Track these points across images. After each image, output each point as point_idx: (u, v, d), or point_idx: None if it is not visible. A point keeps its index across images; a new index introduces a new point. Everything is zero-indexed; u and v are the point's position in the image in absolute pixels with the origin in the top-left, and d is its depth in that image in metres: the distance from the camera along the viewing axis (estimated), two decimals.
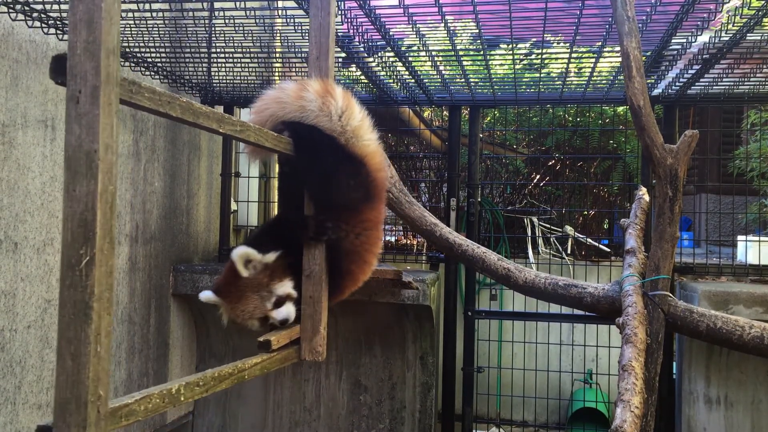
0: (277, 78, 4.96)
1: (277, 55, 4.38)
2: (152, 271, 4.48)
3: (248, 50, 4.03)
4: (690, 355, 4.53)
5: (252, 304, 2.34)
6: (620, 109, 6.96)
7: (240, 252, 2.30)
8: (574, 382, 6.66)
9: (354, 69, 4.64)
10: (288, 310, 2.36)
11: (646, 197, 3.41)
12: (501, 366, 5.81)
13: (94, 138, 1.39)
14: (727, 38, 3.49)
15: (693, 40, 3.54)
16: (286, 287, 2.37)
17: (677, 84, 4.43)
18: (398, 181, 3.49)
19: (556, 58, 4.65)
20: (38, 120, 3.45)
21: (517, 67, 4.69)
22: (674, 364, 4.84)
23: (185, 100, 1.74)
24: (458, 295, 5.38)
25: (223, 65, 4.37)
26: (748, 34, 3.40)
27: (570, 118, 7.34)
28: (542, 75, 4.89)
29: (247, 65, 4.35)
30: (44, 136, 3.49)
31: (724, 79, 4.22)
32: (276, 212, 6.31)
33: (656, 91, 4.71)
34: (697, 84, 4.37)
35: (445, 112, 7.65)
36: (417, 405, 4.83)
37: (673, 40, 3.66)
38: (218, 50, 4.10)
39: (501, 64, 5.11)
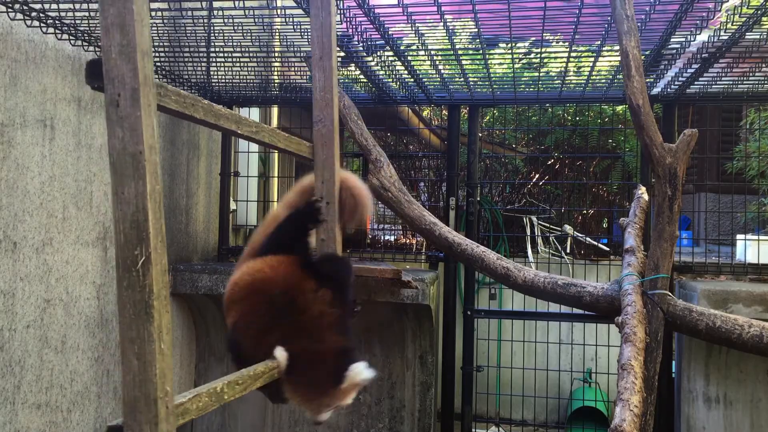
0: (276, 78, 4.96)
1: (276, 54, 4.38)
2: None
3: (247, 49, 4.04)
4: (689, 353, 4.53)
5: (315, 403, 2.13)
6: (619, 108, 6.96)
7: (359, 375, 2.07)
8: (574, 381, 6.66)
9: (353, 68, 4.64)
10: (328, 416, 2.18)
11: (645, 196, 3.41)
12: (500, 365, 5.80)
13: (138, 140, 1.41)
14: (726, 37, 3.49)
15: (692, 39, 3.54)
16: (349, 400, 2.17)
17: (676, 83, 4.43)
18: (397, 181, 3.49)
19: (555, 57, 4.66)
20: (37, 120, 3.45)
21: (516, 66, 4.69)
22: (673, 363, 4.85)
23: (207, 102, 1.76)
24: (457, 294, 5.38)
25: (222, 65, 4.37)
26: (747, 33, 3.40)
27: (569, 117, 7.34)
28: (541, 74, 4.89)
29: (246, 65, 4.35)
30: (43, 136, 3.48)
31: (723, 78, 4.22)
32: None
33: (655, 90, 4.71)
34: (696, 83, 4.37)
35: (444, 112, 7.65)
36: (416, 404, 4.83)
37: (672, 39, 3.66)
38: (217, 49, 4.10)
39: (500, 63, 5.11)
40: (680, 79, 4.30)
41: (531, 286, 3.06)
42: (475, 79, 4.88)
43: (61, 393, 3.66)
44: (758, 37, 3.48)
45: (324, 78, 2.48)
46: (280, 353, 2.00)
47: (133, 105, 1.40)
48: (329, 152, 2.47)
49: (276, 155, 6.32)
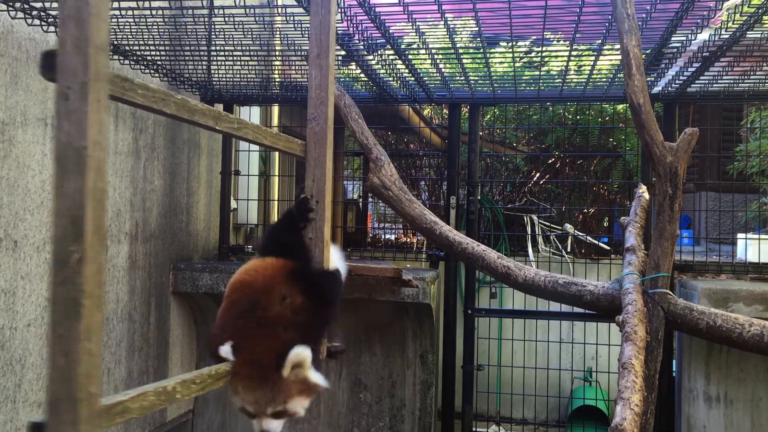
0: (277, 77, 4.96)
1: (277, 53, 4.38)
2: (152, 269, 4.48)
3: (248, 48, 4.03)
4: (690, 353, 4.53)
5: (257, 397, 1.98)
6: (620, 107, 6.96)
7: (300, 354, 1.97)
8: (574, 380, 6.66)
9: (354, 67, 4.64)
10: (278, 428, 2.02)
11: (646, 195, 3.41)
12: (501, 364, 5.80)
13: (82, 135, 1.39)
14: (727, 36, 3.49)
15: (693, 38, 3.53)
16: (300, 407, 2.04)
17: (677, 82, 4.42)
18: (398, 179, 3.49)
19: (556, 56, 4.65)
20: (38, 118, 3.44)
21: (517, 65, 4.69)
22: (674, 362, 4.84)
23: (180, 98, 1.73)
24: (458, 293, 5.38)
25: (223, 63, 4.37)
26: (748, 32, 3.39)
27: (570, 116, 7.34)
28: (542, 73, 4.89)
29: (246, 63, 4.35)
30: (44, 134, 3.48)
31: (724, 77, 4.22)
32: (276, 213, 6.32)
33: (656, 89, 4.71)
34: (697, 82, 4.36)
35: (444, 110, 7.65)
36: (417, 403, 4.83)
37: (672, 38, 3.66)
38: (218, 48, 4.10)
39: (501, 62, 5.11)
40: (681, 77, 4.30)
41: (531, 285, 3.06)
42: (476, 78, 4.88)
43: None
44: (759, 35, 3.48)
45: (320, 76, 2.46)
46: (225, 349, 1.91)
47: (82, 99, 1.39)
48: (322, 151, 2.45)
49: (276, 154, 6.32)
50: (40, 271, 3.49)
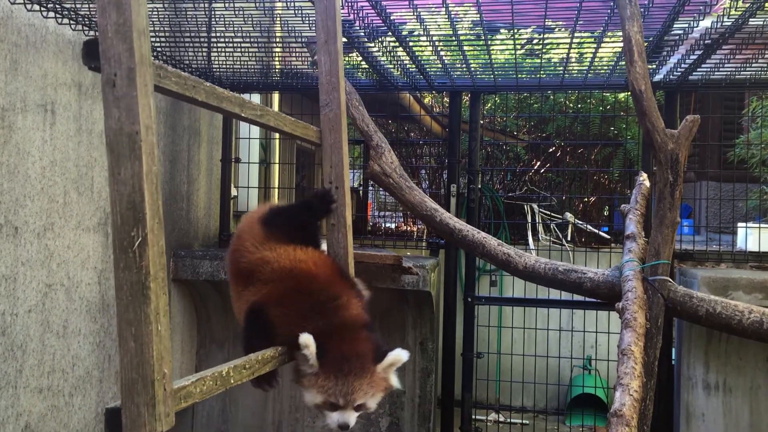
0: (277, 64, 4.94)
1: (278, 40, 4.36)
2: None
3: (248, 35, 4.02)
4: (689, 341, 4.54)
5: (352, 388, 2.04)
6: (621, 95, 6.94)
7: (400, 354, 2.08)
8: (573, 368, 6.68)
9: (355, 55, 4.62)
10: (355, 421, 2.09)
11: (647, 183, 3.40)
12: (501, 352, 5.81)
13: (134, 120, 1.40)
14: (729, 23, 3.47)
15: (695, 25, 3.52)
16: (376, 403, 2.12)
17: (678, 70, 4.41)
18: (398, 167, 3.48)
19: (558, 44, 4.64)
20: (38, 104, 3.44)
21: (519, 53, 4.67)
22: (673, 350, 4.86)
23: (209, 85, 1.75)
24: (458, 281, 5.39)
25: (223, 50, 4.36)
26: (751, 19, 3.38)
27: (571, 105, 7.32)
28: (543, 61, 4.87)
29: (247, 50, 4.33)
30: (44, 121, 3.48)
31: (725, 65, 4.21)
32: (276, 200, 6.31)
33: (658, 77, 4.70)
34: (698, 70, 4.35)
35: (445, 99, 7.63)
36: (417, 390, 4.84)
37: (675, 25, 3.64)
38: (218, 35, 4.09)
39: (502, 51, 5.09)
40: (682, 65, 4.29)
41: (532, 272, 3.07)
42: (477, 66, 4.86)
43: (62, 377, 3.67)
44: (761, 23, 3.46)
45: (330, 62, 2.47)
46: (307, 338, 1.98)
47: (130, 85, 1.39)
48: (337, 137, 2.47)
49: (277, 141, 6.31)
50: (41, 257, 3.49)
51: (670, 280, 2.77)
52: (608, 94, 6.97)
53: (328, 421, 2.11)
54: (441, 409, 5.26)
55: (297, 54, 4.65)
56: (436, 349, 5.03)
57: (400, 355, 2.09)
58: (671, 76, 4.61)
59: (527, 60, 5.12)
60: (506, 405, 6.54)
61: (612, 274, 2.91)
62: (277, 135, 6.27)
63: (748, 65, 4.23)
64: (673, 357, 4.85)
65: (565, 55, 4.52)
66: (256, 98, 5.73)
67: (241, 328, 2.21)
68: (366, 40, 4.09)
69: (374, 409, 2.17)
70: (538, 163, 7.59)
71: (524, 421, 6.63)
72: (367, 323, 2.19)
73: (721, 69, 4.31)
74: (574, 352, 6.33)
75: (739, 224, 5.60)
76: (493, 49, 4.55)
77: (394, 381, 2.16)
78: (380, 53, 4.35)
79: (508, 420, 6.46)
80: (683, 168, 2.70)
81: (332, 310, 2.12)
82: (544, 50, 4.76)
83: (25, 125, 3.36)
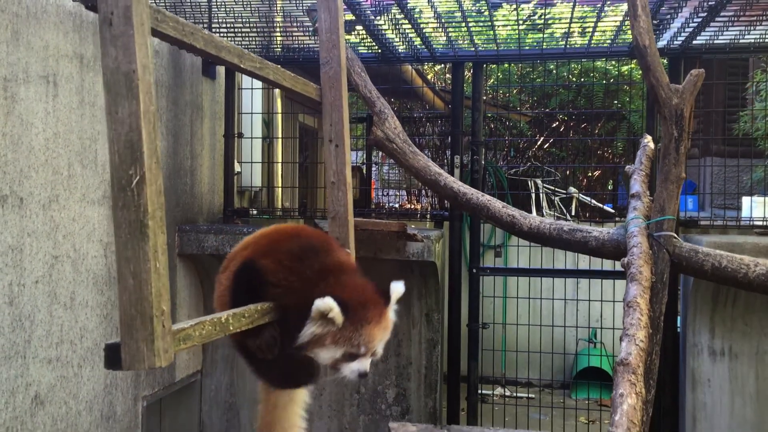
0: (278, 48, 4.93)
1: (278, 26, 4.36)
2: None
3: (248, 21, 4.01)
4: (694, 307, 4.54)
5: (373, 335, 2.10)
6: (624, 68, 6.91)
7: (400, 286, 2.16)
8: (579, 342, 6.70)
9: (360, 28, 4.60)
10: (369, 366, 2.13)
11: (651, 145, 3.39)
12: (506, 322, 5.80)
13: (131, 59, 1.40)
14: None
15: None
16: (382, 347, 2.16)
17: (682, 34, 4.38)
18: (402, 132, 3.48)
19: (560, 19, 4.60)
20: (40, 76, 3.43)
21: (521, 27, 4.65)
22: (678, 318, 4.86)
23: (207, 33, 1.75)
24: (462, 252, 5.39)
25: (225, 35, 4.36)
26: None
27: (574, 79, 7.29)
28: (545, 35, 4.84)
29: (247, 35, 4.33)
30: (46, 92, 3.47)
31: (729, 29, 4.18)
32: (280, 176, 6.32)
33: (661, 43, 4.66)
34: (702, 34, 4.32)
35: (448, 75, 7.60)
36: (423, 361, 4.86)
37: None
38: (219, 21, 4.08)
39: (504, 25, 5.07)
40: (686, 30, 4.26)
41: (537, 233, 3.07)
42: (480, 41, 4.84)
43: (71, 349, 3.69)
44: None
45: (330, 19, 2.47)
46: (327, 303, 1.95)
47: (126, 23, 1.39)
48: (337, 94, 2.47)
49: (279, 117, 6.30)
50: (47, 229, 3.50)
51: (676, 236, 2.77)
52: (611, 67, 6.93)
53: (345, 373, 2.09)
54: (447, 383, 5.26)
55: (298, 41, 4.64)
56: (441, 321, 5.04)
57: (400, 288, 2.14)
58: (675, 42, 4.58)
59: (530, 35, 5.10)
60: (512, 379, 6.56)
61: (617, 232, 2.91)
62: (279, 110, 6.27)
63: (752, 27, 4.19)
64: (678, 325, 4.85)
65: (566, 29, 4.49)
66: None
67: (229, 290, 2.18)
68: (372, 17, 4.08)
69: (382, 354, 2.18)
70: (542, 138, 7.57)
71: (530, 395, 6.66)
72: (356, 268, 2.19)
73: (725, 32, 4.28)
74: (579, 326, 6.34)
75: (744, 198, 5.59)
76: (496, 24, 4.52)
77: (393, 317, 2.21)
78: (386, 26, 4.33)
79: (514, 394, 6.49)
80: (688, 123, 2.69)
81: (323, 252, 2.10)
82: (546, 24, 4.73)
83: (28, 96, 3.36)
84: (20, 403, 3.33)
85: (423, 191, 7.62)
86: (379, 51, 4.90)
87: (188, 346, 1.60)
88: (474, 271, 5.10)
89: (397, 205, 8.25)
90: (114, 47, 1.41)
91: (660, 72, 2.70)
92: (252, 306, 1.95)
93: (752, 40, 4.48)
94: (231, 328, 1.79)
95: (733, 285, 2.71)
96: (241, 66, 1.94)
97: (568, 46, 4.77)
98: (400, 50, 4.89)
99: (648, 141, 3.40)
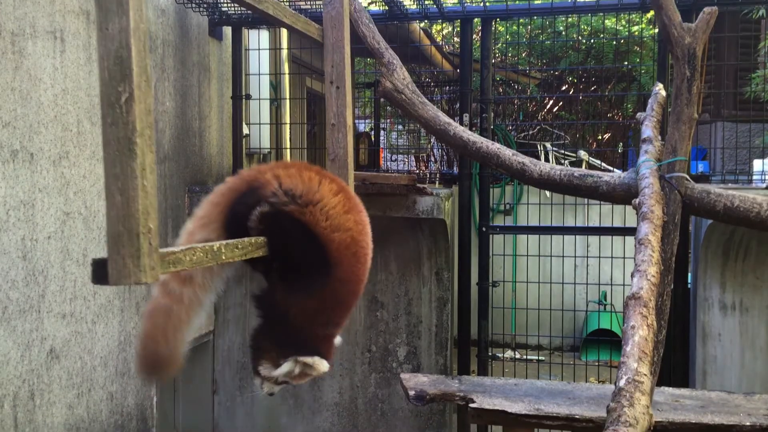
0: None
1: None
2: (168, 191, 4.51)
3: None
4: (705, 262, 4.53)
5: None
6: (635, 28, 6.82)
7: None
8: (588, 304, 6.70)
9: None
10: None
11: (663, 92, 3.36)
12: (516, 280, 5.78)
13: None
14: None
15: None
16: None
17: None
18: (411, 83, 3.45)
19: None
20: (47, 31, 3.42)
21: None
22: (689, 274, 4.85)
23: None
24: (472, 211, 5.36)
25: None
26: None
27: (583, 41, 7.21)
28: None
29: None
30: (54, 48, 3.47)
31: None
32: (288, 138, 6.30)
33: None
34: None
35: (456, 39, 7.54)
36: (433, 319, 4.89)
37: None
38: None
39: None
40: None
41: (547, 180, 3.05)
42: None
43: (84, 305, 3.73)
44: None
45: None
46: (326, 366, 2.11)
47: None
48: (339, 34, 2.45)
49: (287, 79, 6.27)
50: (58, 185, 3.51)
51: (687, 177, 2.76)
52: (622, 28, 6.85)
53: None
54: (458, 346, 5.24)
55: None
56: (452, 279, 5.05)
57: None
58: None
59: None
60: (522, 343, 6.58)
61: (628, 176, 2.90)
62: (287, 71, 6.24)
63: None
64: (689, 280, 4.84)
65: None
66: (265, 36, 5.68)
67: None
68: None
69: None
70: (551, 102, 7.51)
71: (540, 357, 6.69)
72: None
73: None
74: (589, 287, 6.34)
75: (756, 161, 5.55)
76: None
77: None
78: None
79: (524, 357, 6.52)
80: (700, 62, 2.66)
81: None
82: None
83: (36, 51, 3.35)
84: (36, 356, 3.38)
85: (431, 156, 7.60)
86: (387, 8, 4.86)
87: (178, 269, 1.61)
88: (484, 229, 5.09)
89: (406, 171, 8.24)
90: None
91: (672, 10, 2.66)
92: (246, 239, 1.95)
93: None
94: (223, 258, 1.79)
95: (745, 225, 2.69)
96: None
97: (577, 0, 4.71)
98: (407, 7, 4.84)
99: (659, 88, 3.37)
